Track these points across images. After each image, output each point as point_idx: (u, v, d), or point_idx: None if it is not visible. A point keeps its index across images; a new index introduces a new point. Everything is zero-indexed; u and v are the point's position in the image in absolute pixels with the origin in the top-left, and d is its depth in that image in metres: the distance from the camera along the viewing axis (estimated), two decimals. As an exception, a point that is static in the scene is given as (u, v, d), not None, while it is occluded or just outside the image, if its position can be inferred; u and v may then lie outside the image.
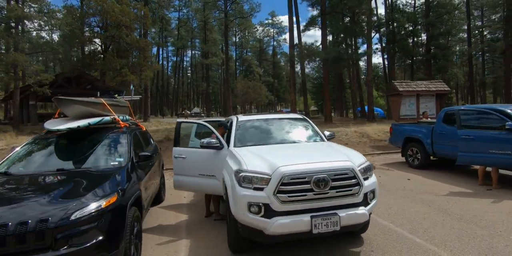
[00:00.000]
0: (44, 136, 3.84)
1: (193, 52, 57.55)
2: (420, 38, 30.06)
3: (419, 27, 28.38)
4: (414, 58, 29.57)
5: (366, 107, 25.87)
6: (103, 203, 2.50)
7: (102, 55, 17.77)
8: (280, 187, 2.77)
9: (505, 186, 5.53)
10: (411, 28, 28.07)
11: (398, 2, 28.13)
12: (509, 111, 5.52)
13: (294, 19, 20.57)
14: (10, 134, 13.57)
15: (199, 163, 4.22)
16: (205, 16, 42.58)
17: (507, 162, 5.22)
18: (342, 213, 2.80)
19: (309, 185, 2.80)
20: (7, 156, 3.40)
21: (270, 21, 58.52)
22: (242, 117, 4.58)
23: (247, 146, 3.90)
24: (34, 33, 15.36)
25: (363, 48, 30.49)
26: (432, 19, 26.00)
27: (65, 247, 2.21)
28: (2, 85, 14.00)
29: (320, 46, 22.55)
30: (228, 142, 4.08)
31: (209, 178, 4.14)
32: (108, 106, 4.34)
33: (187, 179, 4.29)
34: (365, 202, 2.97)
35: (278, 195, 2.77)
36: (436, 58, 26.75)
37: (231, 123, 4.47)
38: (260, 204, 2.79)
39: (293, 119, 4.71)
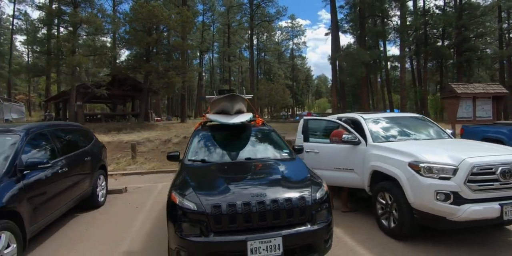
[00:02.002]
0: (203, 129, 4.20)
1: (212, 55, 58.45)
2: (449, 41, 29.82)
3: (450, 29, 28.18)
4: (444, 61, 29.37)
5: (396, 110, 25.82)
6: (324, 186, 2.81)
7: (145, 58, 18.46)
8: (470, 177, 3.02)
9: None
10: (441, 30, 27.89)
11: (432, 4, 27.99)
12: None
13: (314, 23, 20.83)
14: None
15: (334, 157, 4.51)
16: (229, 20, 43.34)
17: None
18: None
19: (495, 176, 3.04)
20: (188, 148, 3.76)
21: (289, 24, 59.12)
22: (367, 116, 4.84)
23: (389, 141, 4.17)
24: (84, 37, 15.89)
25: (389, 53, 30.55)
26: (466, 21, 25.80)
27: (318, 222, 2.52)
28: (65, 86, 14.69)
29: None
30: (364, 138, 4.35)
31: (346, 171, 4.41)
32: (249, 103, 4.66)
33: (321, 172, 4.57)
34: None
35: (468, 184, 3.02)
36: (470, 61, 26.45)
37: (358, 121, 4.73)
38: (449, 192, 3.04)
39: (415, 117, 4.96)
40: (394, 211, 3.57)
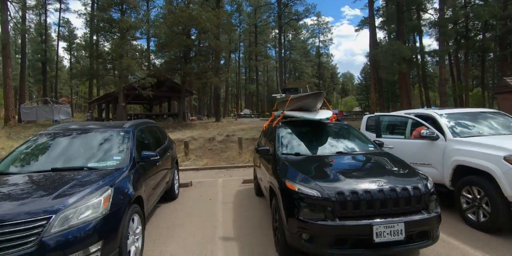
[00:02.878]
0: (284, 125, 4.43)
1: (238, 55, 59.12)
2: (493, 33, 28.11)
3: (493, 21, 26.56)
4: (485, 55, 27.78)
5: (433, 107, 24.78)
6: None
7: (183, 60, 19.19)
8: None
9: None
10: (484, 22, 26.34)
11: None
12: None
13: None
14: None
15: (410, 152, 4.58)
16: (256, 20, 43.72)
17: None
18: None
19: None
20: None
21: (315, 21, 58.45)
22: (441, 111, 4.86)
23: (471, 136, 4.19)
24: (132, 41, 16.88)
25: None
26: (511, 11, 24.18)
27: (431, 211, 2.66)
28: (114, 87, 15.76)
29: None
30: (442, 133, 4.39)
31: (423, 166, 4.47)
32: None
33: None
34: None
35: None
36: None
37: (433, 117, 4.76)
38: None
39: (491, 112, 4.91)
40: (484, 205, 3.61)
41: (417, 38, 27.80)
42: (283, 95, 5.73)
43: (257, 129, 16.46)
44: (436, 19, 22.90)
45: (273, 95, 6.14)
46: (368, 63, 72.93)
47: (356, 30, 37.46)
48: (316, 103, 4.18)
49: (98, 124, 4.32)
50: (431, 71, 44.12)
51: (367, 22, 30.30)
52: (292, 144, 3.95)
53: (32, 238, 2.19)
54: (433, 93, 39.93)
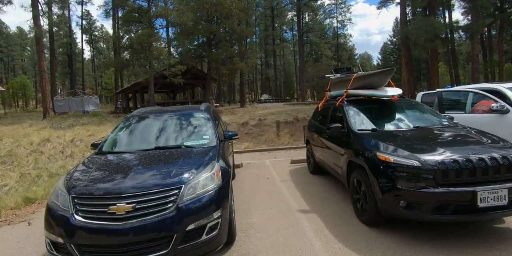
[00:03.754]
0: (349, 104, 4.51)
1: (255, 39, 58.11)
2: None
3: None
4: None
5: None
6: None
7: (208, 46, 19.21)
8: None
9: None
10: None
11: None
12: None
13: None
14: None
15: (477, 127, 4.58)
16: (272, 2, 42.58)
17: None
18: None
19: None
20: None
21: (333, 1, 56.15)
22: (507, 85, 4.78)
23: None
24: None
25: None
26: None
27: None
28: (144, 77, 16.18)
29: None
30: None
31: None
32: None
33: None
34: None
35: None
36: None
37: (500, 91, 4.70)
38: None
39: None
40: None
41: (446, 13, 26.29)
42: (337, 75, 5.76)
43: (285, 112, 16.56)
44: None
45: (326, 75, 6.18)
46: (389, 42, 69.84)
47: (378, 8, 35.81)
48: (385, 81, 4.22)
49: (176, 108, 4.60)
50: (457, 48, 41.96)
51: (390, -1, 28.92)
52: (365, 121, 4.05)
53: (171, 205, 2.48)
54: (460, 71, 38.18)
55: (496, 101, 4.45)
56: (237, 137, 3.98)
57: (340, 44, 62.35)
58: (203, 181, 2.70)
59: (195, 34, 17.75)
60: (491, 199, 2.59)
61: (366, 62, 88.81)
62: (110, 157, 3.29)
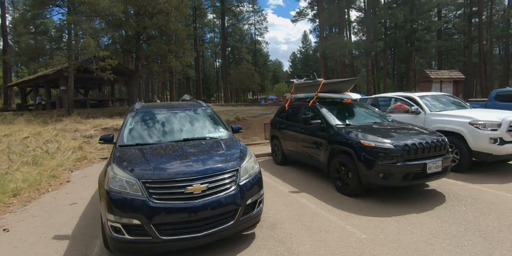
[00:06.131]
0: (322, 104, 5.59)
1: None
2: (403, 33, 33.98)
3: (402, 23, 32.15)
4: (396, 50, 33.48)
5: (362, 95, 29.18)
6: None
7: (138, 41, 18.07)
8: (509, 128, 5.08)
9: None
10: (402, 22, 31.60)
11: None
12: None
13: None
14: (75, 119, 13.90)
15: (406, 121, 6.33)
16: (194, 2, 42.23)
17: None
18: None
19: (519, 127, 5.16)
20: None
21: (251, 8, 59.37)
22: (418, 94, 6.73)
23: (439, 111, 6.12)
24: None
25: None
26: (415, 16, 29.77)
27: (449, 154, 4.29)
28: (57, 66, 13.74)
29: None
30: (422, 109, 6.25)
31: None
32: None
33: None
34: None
35: (507, 132, 5.08)
36: (419, 50, 30.84)
37: (413, 98, 6.59)
38: (498, 138, 5.07)
39: (446, 95, 7.02)
40: (455, 155, 5.55)
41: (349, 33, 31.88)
42: (301, 80, 6.84)
43: (223, 113, 17.12)
44: (362, 18, 26.58)
45: (291, 80, 7.18)
46: (299, 52, 77.34)
47: (293, 21, 40.14)
48: (350, 87, 5.47)
49: (178, 103, 4.79)
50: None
51: (303, 14, 32.92)
52: (338, 118, 5.18)
53: (233, 183, 2.94)
54: (359, 81, 46.38)
55: (412, 105, 6.33)
56: (242, 130, 4.51)
57: (257, 49, 66.34)
58: (250, 164, 3.23)
59: (124, 27, 16.48)
60: (434, 168, 3.99)
61: (278, 68, 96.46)
62: (147, 148, 3.37)
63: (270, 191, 4.93)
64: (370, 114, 5.57)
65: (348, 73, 28.70)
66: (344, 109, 5.64)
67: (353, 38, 36.76)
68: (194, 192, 2.71)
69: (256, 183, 3.16)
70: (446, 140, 4.39)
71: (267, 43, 68.64)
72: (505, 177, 5.21)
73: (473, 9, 33.40)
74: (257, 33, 62.79)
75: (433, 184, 4.83)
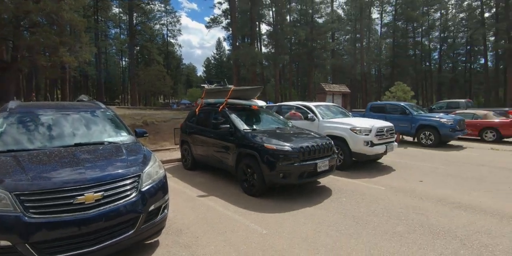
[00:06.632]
0: (231, 110, 5.81)
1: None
2: (305, 49, 38.35)
3: (305, 41, 36.41)
4: (298, 64, 37.63)
5: (269, 102, 31.43)
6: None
7: (14, 28, 15.00)
8: (376, 133, 6.38)
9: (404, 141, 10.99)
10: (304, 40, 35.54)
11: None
12: (403, 105, 11.00)
13: None
14: None
15: (303, 126, 7.16)
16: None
17: (402, 130, 10.61)
18: (394, 143, 6.69)
19: (384, 132, 6.53)
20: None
21: (163, 8, 56.88)
22: (314, 104, 7.74)
23: (329, 119, 7.20)
24: None
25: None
26: (314, 36, 34.12)
27: (334, 154, 5.08)
28: None
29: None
30: (316, 117, 7.24)
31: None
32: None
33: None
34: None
35: (376, 136, 6.36)
36: (318, 66, 35.32)
37: (310, 107, 7.55)
38: (369, 141, 6.30)
39: (334, 105, 8.28)
40: (340, 155, 6.60)
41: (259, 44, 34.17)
42: (211, 86, 6.95)
43: (129, 116, 15.76)
44: (271, 32, 28.93)
45: (202, 85, 7.16)
46: (213, 58, 78.03)
47: (207, 27, 40.36)
48: (256, 94, 5.88)
49: (67, 104, 4.21)
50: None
51: (217, 22, 33.60)
52: (246, 123, 5.49)
53: (134, 190, 2.79)
54: (269, 90, 49.85)
55: (308, 113, 7.26)
56: (147, 135, 4.29)
57: (170, 52, 63.77)
58: (154, 169, 3.11)
59: (4, 10, 13.36)
60: (323, 167, 4.66)
61: (192, 72, 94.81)
62: (25, 155, 2.85)
63: (178, 197, 4.83)
64: (274, 120, 6.11)
65: (259, 82, 30.72)
66: (251, 115, 6.02)
67: (264, 49, 39.79)
68: (86, 202, 2.45)
69: (161, 188, 3.07)
70: (332, 143, 5.21)
71: (180, 46, 66.52)
72: (374, 172, 6.48)
73: (357, 35, 40.57)
74: (169, 34, 60.57)
75: (323, 181, 5.62)
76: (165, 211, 3.12)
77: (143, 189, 2.85)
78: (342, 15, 46.70)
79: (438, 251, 3.01)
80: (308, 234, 3.40)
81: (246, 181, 4.94)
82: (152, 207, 2.88)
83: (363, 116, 11.63)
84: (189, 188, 5.37)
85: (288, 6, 28.90)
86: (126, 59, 50.94)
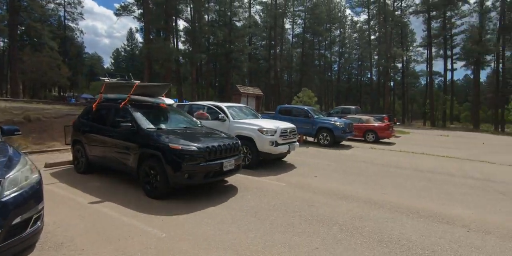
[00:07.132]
0: (134, 107, 5.33)
1: None
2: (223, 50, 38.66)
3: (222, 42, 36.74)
4: (217, 65, 37.78)
5: (185, 101, 30.50)
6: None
7: None
8: (281, 134, 6.90)
9: (306, 141, 12.22)
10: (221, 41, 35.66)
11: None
12: (306, 109, 12.25)
13: None
14: None
15: (214, 127, 7.15)
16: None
17: (305, 132, 11.84)
18: (296, 143, 7.37)
19: (287, 133, 7.12)
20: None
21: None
22: (225, 104, 7.84)
23: (240, 120, 7.44)
24: None
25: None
26: (232, 38, 34.82)
27: (240, 154, 5.25)
28: None
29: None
30: (227, 117, 7.37)
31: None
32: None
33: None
34: (297, 141, 7.67)
35: (280, 137, 6.88)
36: (235, 67, 36.10)
37: (221, 107, 7.63)
38: (274, 141, 6.77)
39: (245, 106, 8.57)
40: (248, 155, 6.88)
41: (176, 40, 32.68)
42: (113, 80, 6.24)
43: (7, 110, 12.88)
44: (189, 29, 28.23)
45: (101, 78, 6.33)
46: (123, 50, 71.41)
47: (117, 15, 36.31)
48: (164, 92, 5.56)
49: None
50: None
51: (128, 10, 30.83)
52: (150, 121, 5.14)
53: None
54: (186, 88, 48.11)
55: (219, 113, 7.33)
56: (19, 133, 3.54)
57: (68, 37, 54.81)
58: (23, 174, 2.59)
59: None
60: (229, 166, 4.76)
61: (97, 63, 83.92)
62: None
63: (64, 204, 4.18)
64: (183, 120, 5.92)
65: (174, 79, 29.41)
66: (158, 114, 5.69)
67: (181, 46, 38.30)
68: None
69: (32, 196, 2.58)
70: (240, 143, 5.37)
71: (82, 32, 57.27)
72: (278, 170, 6.98)
73: (272, 42, 43.27)
74: (68, 17, 52.19)
75: (231, 180, 5.74)
76: (38, 223, 2.63)
77: (3, 199, 2.34)
78: (259, 21, 49.20)
79: (322, 236, 3.45)
80: (209, 233, 3.40)
81: (149, 183, 4.63)
82: (17, 220, 2.39)
83: (273, 118, 12.46)
84: (79, 194, 4.70)
85: (206, 5, 28.65)
86: (6, 40, 41.37)
